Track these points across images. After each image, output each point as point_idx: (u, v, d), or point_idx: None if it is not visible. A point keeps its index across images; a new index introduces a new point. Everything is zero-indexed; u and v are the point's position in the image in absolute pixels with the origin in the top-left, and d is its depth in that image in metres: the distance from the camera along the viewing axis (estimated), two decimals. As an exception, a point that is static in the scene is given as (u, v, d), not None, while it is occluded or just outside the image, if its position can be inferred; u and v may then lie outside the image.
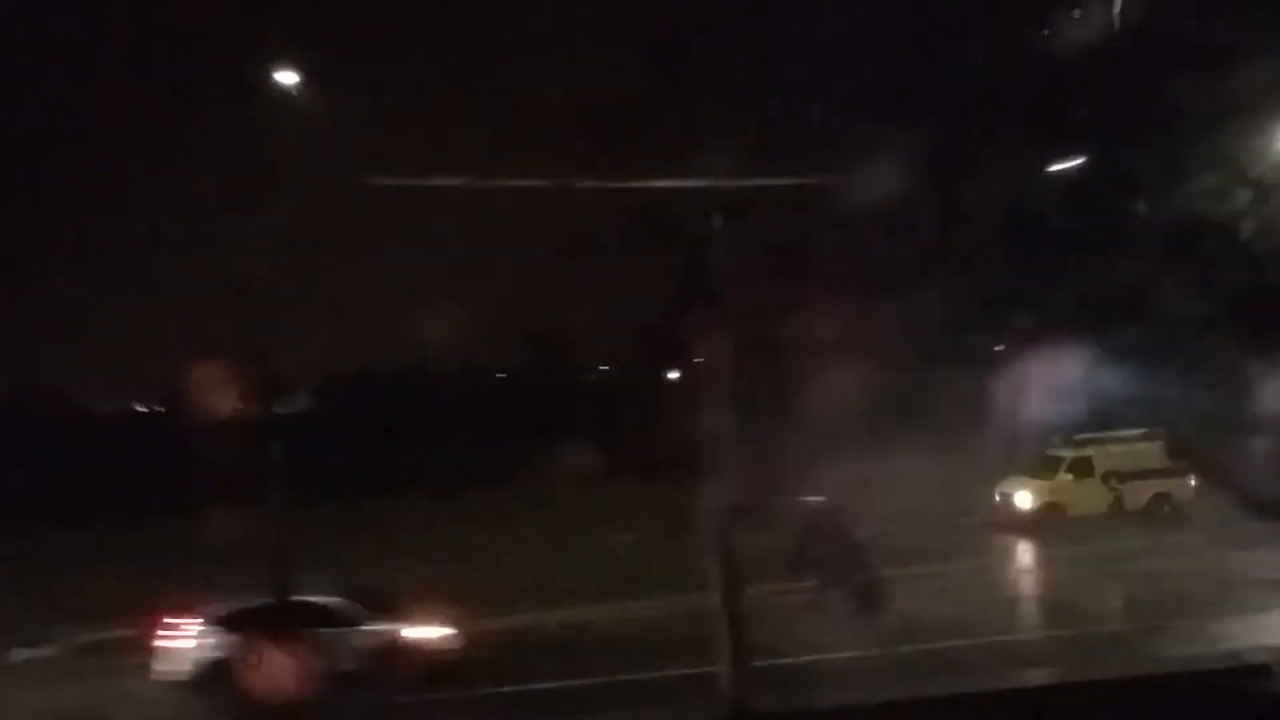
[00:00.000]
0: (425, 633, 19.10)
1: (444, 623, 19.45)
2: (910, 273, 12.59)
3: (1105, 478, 30.93)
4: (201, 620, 19.54)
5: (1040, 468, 31.36)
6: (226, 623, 19.37)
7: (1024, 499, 30.88)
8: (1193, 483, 30.28)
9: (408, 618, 19.64)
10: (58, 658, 22.02)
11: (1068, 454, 31.23)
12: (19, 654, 22.11)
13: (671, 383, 15.14)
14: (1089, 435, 31.40)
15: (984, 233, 12.54)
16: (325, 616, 18.47)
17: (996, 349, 14.57)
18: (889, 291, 12.81)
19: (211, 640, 19.13)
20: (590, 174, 12.77)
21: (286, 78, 16.44)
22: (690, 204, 12.91)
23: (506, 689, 18.19)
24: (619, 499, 34.48)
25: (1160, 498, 30.48)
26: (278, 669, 17.77)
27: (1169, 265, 12.99)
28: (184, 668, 19.33)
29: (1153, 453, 30.35)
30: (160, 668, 19.55)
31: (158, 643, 19.77)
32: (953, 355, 13.10)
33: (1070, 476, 31.01)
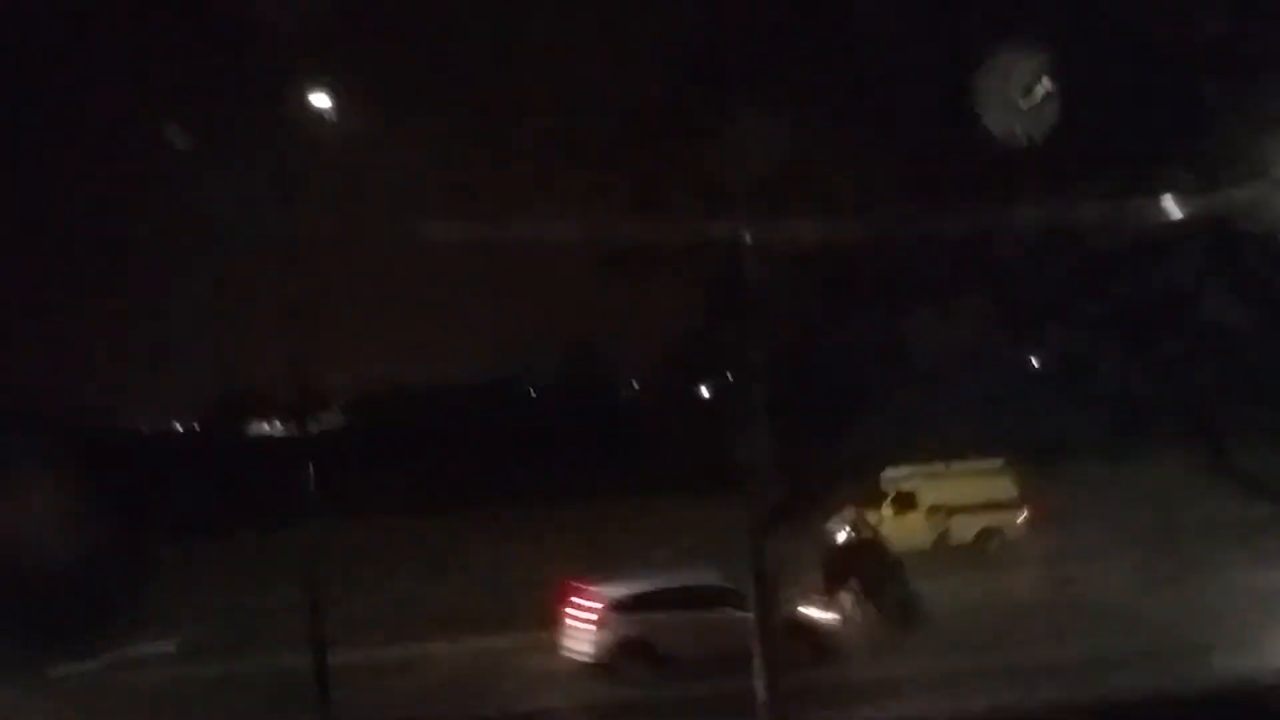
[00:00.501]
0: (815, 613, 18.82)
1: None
2: (947, 282, 12.40)
3: (931, 511, 29.13)
4: (608, 600, 19.57)
5: (871, 499, 28.83)
6: (635, 604, 19.42)
7: (842, 533, 28.91)
8: (1025, 517, 28.38)
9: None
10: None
11: (897, 487, 29.41)
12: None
13: (705, 397, 15.10)
14: (927, 467, 29.34)
15: (1021, 244, 12.31)
16: (727, 598, 18.13)
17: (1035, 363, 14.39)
18: (927, 302, 12.63)
19: (623, 619, 19.20)
20: (625, 191, 12.69)
21: (320, 100, 16.52)
22: (724, 215, 12.78)
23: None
24: (652, 515, 34.48)
25: (988, 532, 28.64)
26: (696, 649, 18.27)
27: (1210, 274, 12.75)
28: (592, 647, 19.48)
29: (997, 485, 28.28)
30: (572, 646, 19.79)
31: (567, 622, 19.96)
32: (990, 368, 12.93)
33: (892, 510, 28.86)
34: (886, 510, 28.62)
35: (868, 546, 13.05)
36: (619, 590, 19.80)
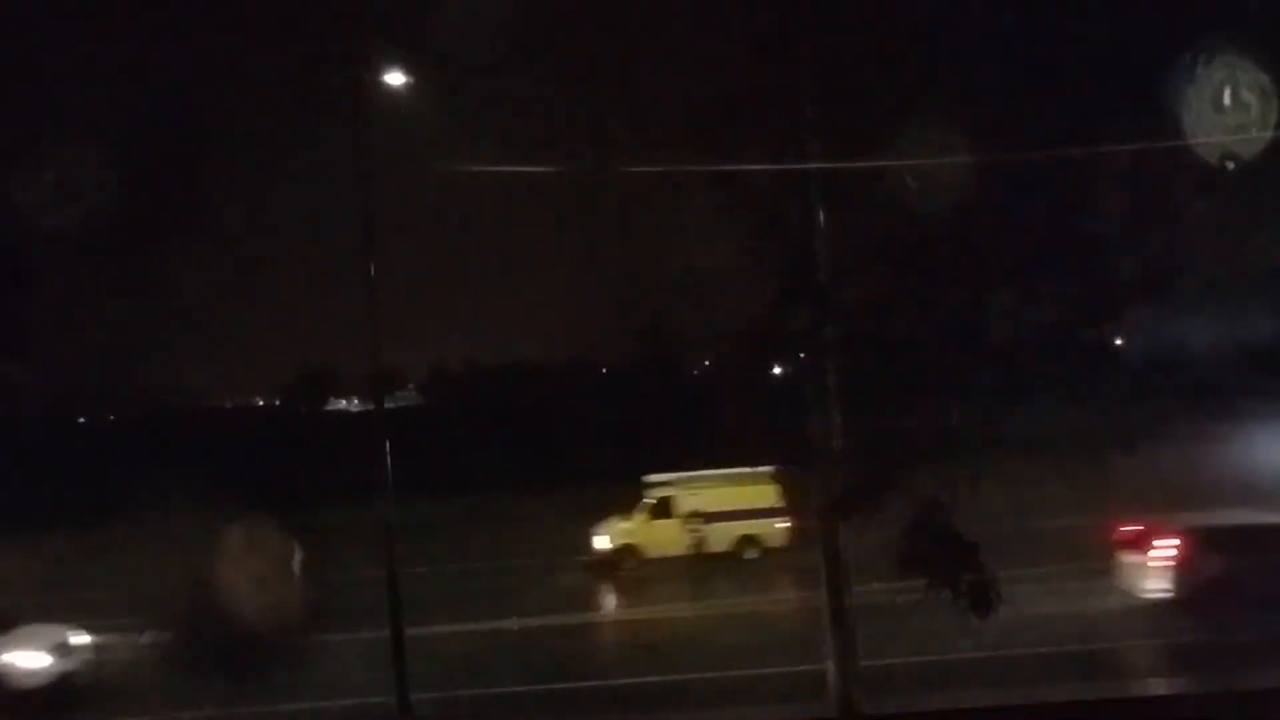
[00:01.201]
0: None
1: None
2: (1024, 263, 12.21)
3: (687, 518, 29.24)
4: (1182, 538, 19.68)
5: (631, 506, 29.93)
6: (1207, 542, 19.54)
7: (602, 540, 29.44)
8: (784, 525, 27.89)
9: None
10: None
11: (654, 494, 29.77)
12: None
13: (778, 377, 15.00)
14: (686, 474, 29.87)
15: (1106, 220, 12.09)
16: None
17: (1117, 342, 14.04)
18: (1002, 283, 12.44)
19: (1200, 558, 19.24)
20: (694, 163, 12.68)
21: (395, 78, 16.74)
22: (795, 193, 12.71)
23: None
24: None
25: (747, 540, 28.56)
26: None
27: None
28: (1167, 586, 19.65)
29: (760, 492, 27.57)
30: (1145, 585, 20.00)
31: (1137, 560, 20.17)
32: (1069, 349, 12.68)
33: (648, 516, 29.43)
34: (642, 516, 29.41)
35: (942, 530, 12.84)
36: (1205, 526, 19.82)
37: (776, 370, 14.53)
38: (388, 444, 17.56)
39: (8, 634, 20.10)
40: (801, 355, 13.48)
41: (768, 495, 26.98)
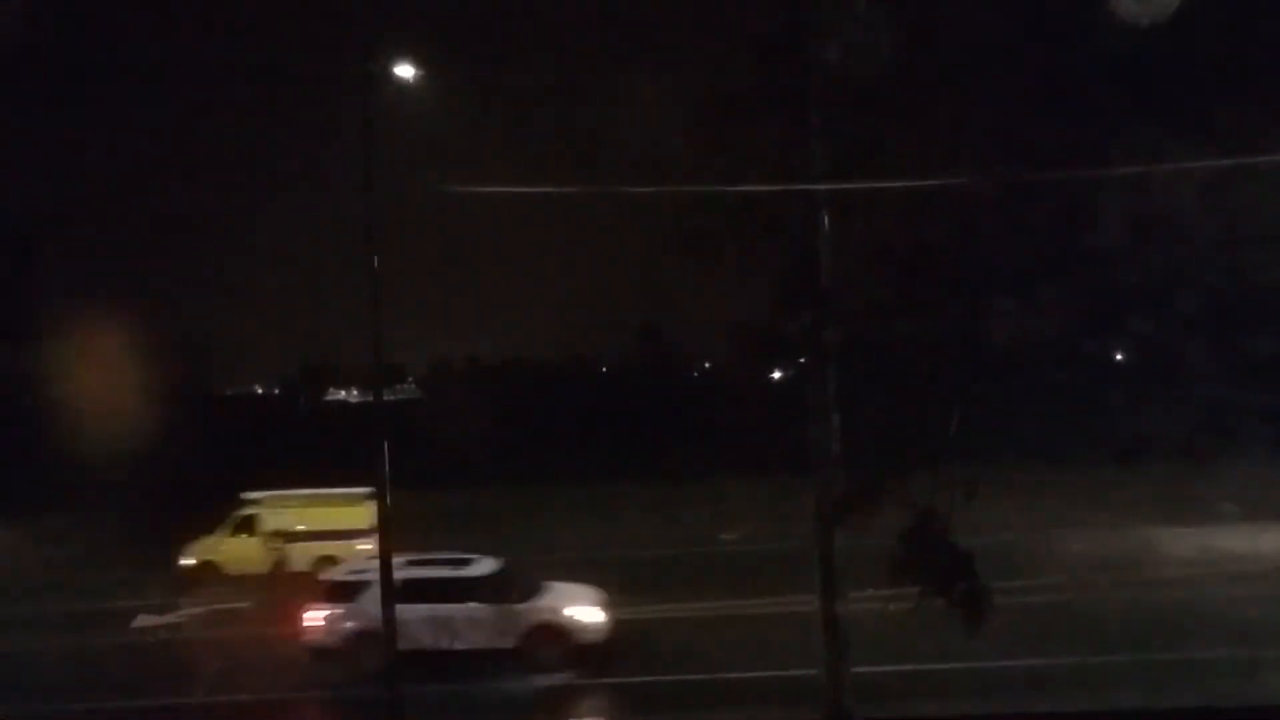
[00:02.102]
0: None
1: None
2: (1029, 275, 12.19)
3: (269, 537, 29.49)
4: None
5: (216, 525, 30.17)
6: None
7: (188, 556, 29.50)
8: (366, 547, 27.00)
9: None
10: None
11: (240, 512, 30.06)
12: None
13: (776, 380, 15.00)
14: (277, 493, 30.07)
15: (1110, 234, 12.06)
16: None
17: (1117, 357, 14.07)
18: (1006, 293, 12.43)
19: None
20: (697, 170, 12.68)
21: (404, 70, 16.70)
22: (799, 200, 12.68)
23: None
24: (722, 497, 34.61)
25: (325, 560, 28.04)
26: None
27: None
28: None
29: (352, 514, 28.38)
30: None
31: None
32: (1070, 362, 12.67)
33: (230, 533, 29.76)
34: (225, 533, 29.71)
35: (937, 538, 12.84)
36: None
37: (776, 374, 14.55)
38: (385, 443, 17.51)
39: (546, 592, 20.53)
40: (801, 359, 13.46)
41: (357, 517, 27.73)
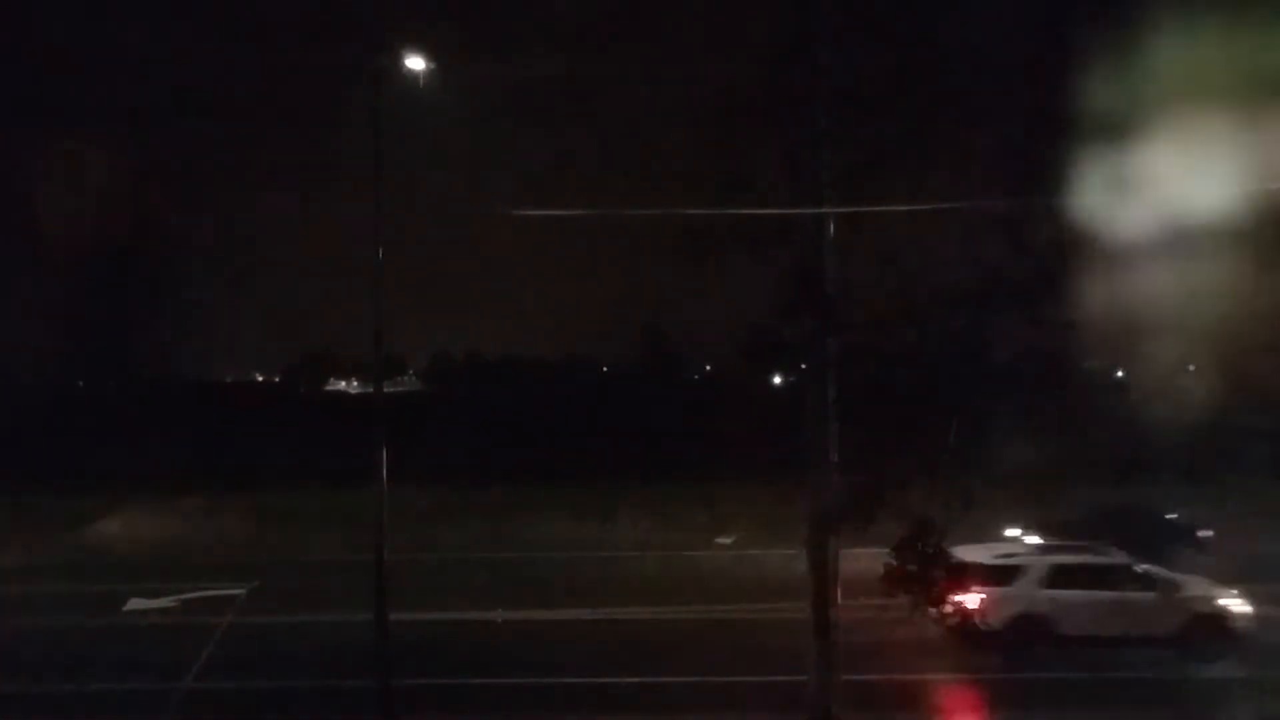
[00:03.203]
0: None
1: None
2: (1029, 290, 12.20)
3: None
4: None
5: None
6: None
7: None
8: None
9: None
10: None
11: None
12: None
13: (777, 387, 14.97)
14: None
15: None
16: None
17: (1117, 375, 14.13)
18: (1006, 308, 12.44)
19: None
20: (703, 178, 12.70)
21: (414, 63, 16.67)
22: (805, 206, 12.68)
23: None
24: (720, 501, 34.53)
25: None
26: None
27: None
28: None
29: None
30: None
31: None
32: (1070, 378, 12.69)
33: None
34: None
35: (930, 548, 12.92)
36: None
37: (776, 379, 14.55)
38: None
39: (1191, 582, 20.19)
40: (802, 365, 13.47)
41: None
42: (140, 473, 40.24)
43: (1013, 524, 23.84)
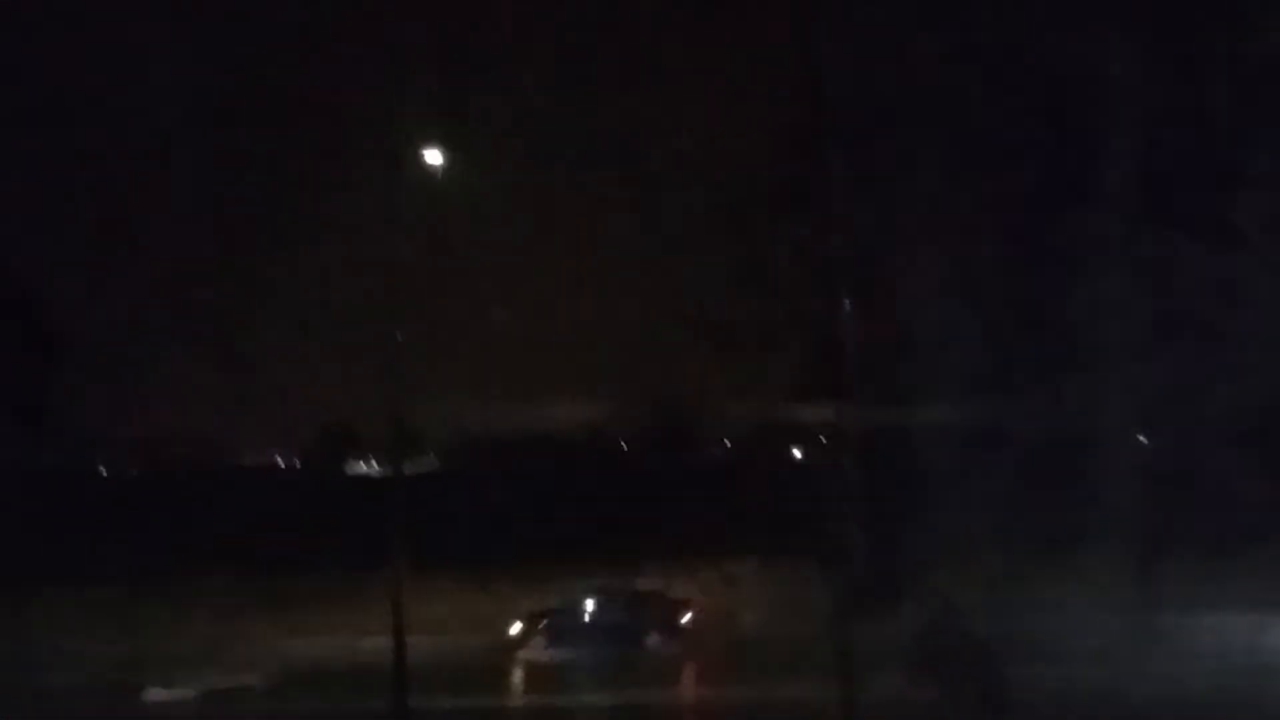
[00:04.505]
0: None
1: None
2: (1051, 361, 12.26)
3: None
4: None
5: None
6: None
7: None
8: None
9: None
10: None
11: None
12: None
13: (798, 463, 14.96)
14: None
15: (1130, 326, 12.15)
16: None
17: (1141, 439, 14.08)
18: (1024, 385, 12.48)
19: None
20: (720, 258, 12.90)
21: (433, 156, 17.07)
22: (820, 290, 12.83)
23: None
24: (740, 578, 34.17)
25: None
26: None
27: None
28: None
29: None
30: None
31: None
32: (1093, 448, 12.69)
33: None
34: None
35: (957, 631, 12.79)
36: None
37: (798, 456, 14.57)
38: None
39: None
40: (822, 442, 13.50)
41: None
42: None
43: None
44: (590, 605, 28.64)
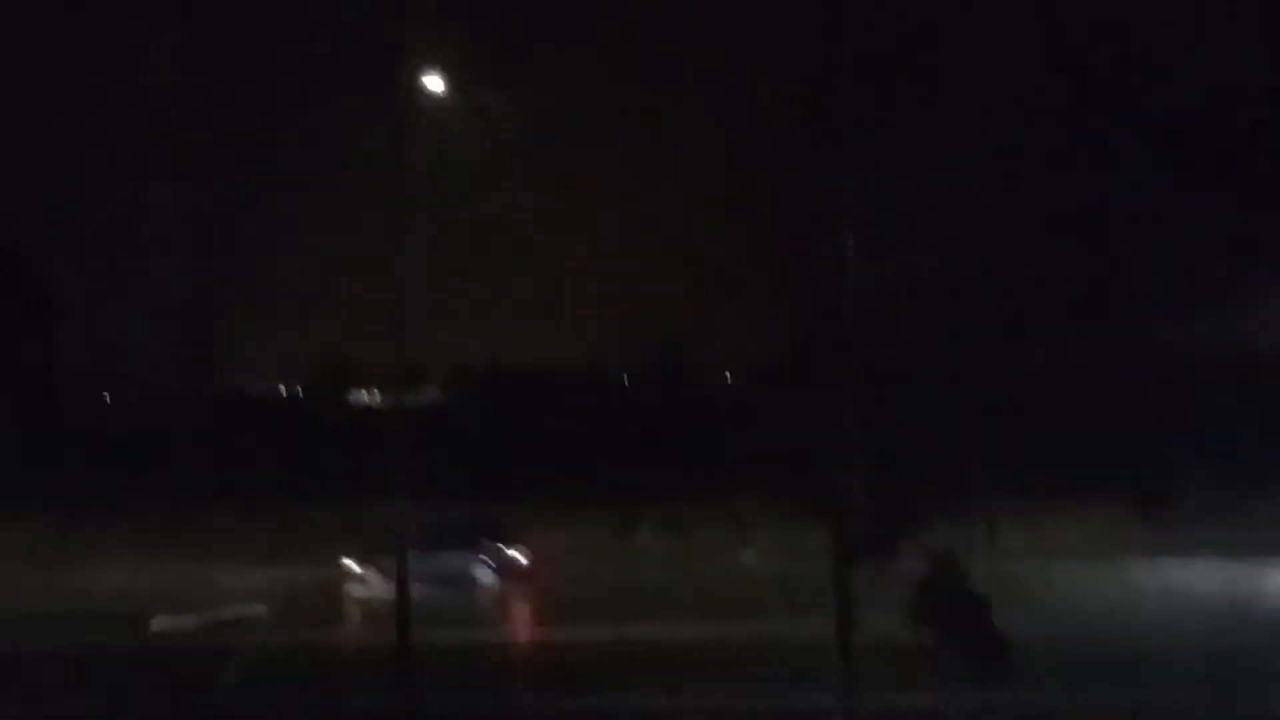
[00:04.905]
0: None
1: None
2: (1057, 315, 12.12)
3: None
4: None
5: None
6: None
7: None
8: None
9: None
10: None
11: None
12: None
13: (802, 400, 14.87)
14: None
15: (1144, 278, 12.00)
16: None
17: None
18: (1031, 338, 12.35)
19: None
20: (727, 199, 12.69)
21: (433, 82, 16.82)
22: (826, 237, 12.64)
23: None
24: (744, 516, 34.32)
25: None
26: None
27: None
28: None
29: None
30: None
31: None
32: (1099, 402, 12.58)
33: None
34: None
35: (955, 583, 12.83)
36: None
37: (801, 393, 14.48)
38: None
39: None
40: (827, 381, 13.39)
41: None
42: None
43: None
44: (428, 543, 28.79)
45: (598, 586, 27.63)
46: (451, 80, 16.79)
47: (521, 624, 26.48)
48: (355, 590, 27.19)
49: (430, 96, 16.79)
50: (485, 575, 27.95)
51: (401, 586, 16.84)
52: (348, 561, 27.93)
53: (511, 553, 28.79)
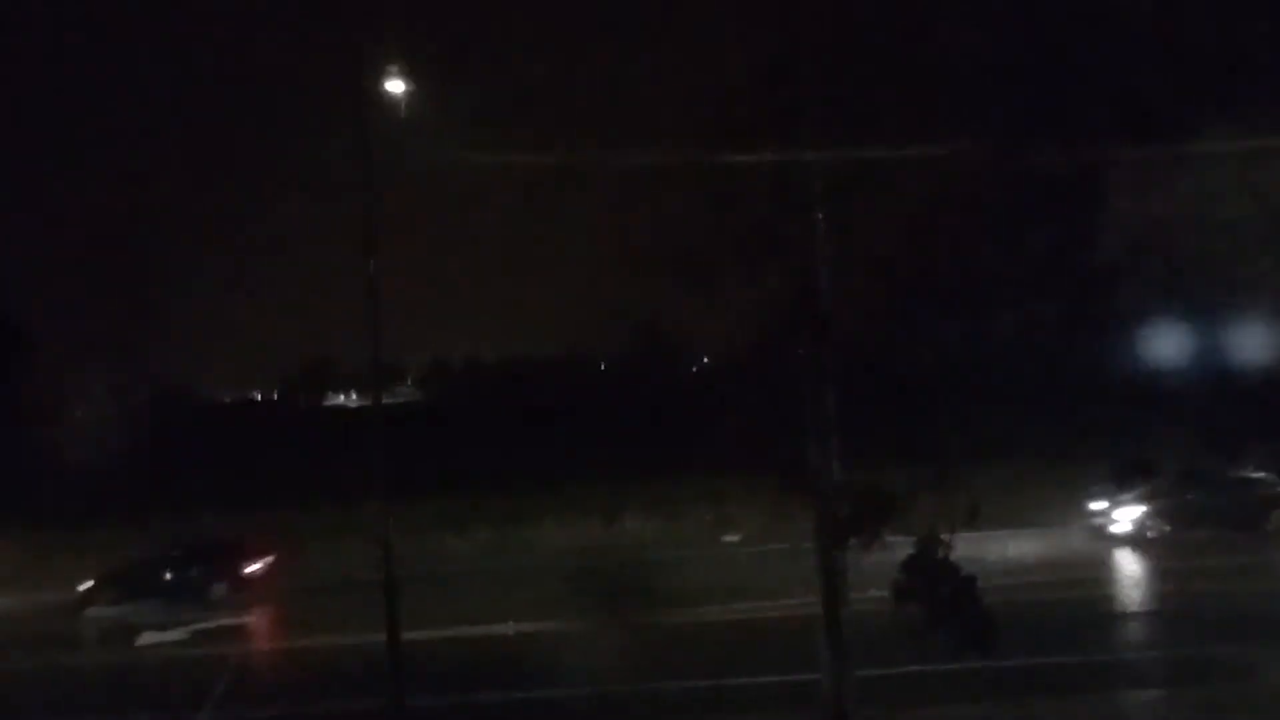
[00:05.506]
0: None
1: None
2: (1027, 291, 12.21)
3: None
4: None
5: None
6: None
7: None
8: None
9: None
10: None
11: None
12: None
13: (779, 381, 14.91)
14: None
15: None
16: None
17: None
18: (1006, 312, 12.45)
19: None
20: (691, 187, 12.67)
21: (395, 86, 16.74)
22: (796, 221, 12.66)
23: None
24: (725, 497, 34.52)
25: None
26: None
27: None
28: None
29: None
30: None
31: None
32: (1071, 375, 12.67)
33: None
34: None
35: (940, 562, 12.92)
36: None
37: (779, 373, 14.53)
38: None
39: None
40: (803, 360, 13.43)
41: None
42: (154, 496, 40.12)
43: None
44: (158, 559, 28.42)
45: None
46: (413, 79, 16.70)
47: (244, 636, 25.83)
48: (90, 611, 26.85)
49: (394, 96, 16.70)
50: (218, 589, 27.56)
51: None
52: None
53: (254, 567, 28.55)
